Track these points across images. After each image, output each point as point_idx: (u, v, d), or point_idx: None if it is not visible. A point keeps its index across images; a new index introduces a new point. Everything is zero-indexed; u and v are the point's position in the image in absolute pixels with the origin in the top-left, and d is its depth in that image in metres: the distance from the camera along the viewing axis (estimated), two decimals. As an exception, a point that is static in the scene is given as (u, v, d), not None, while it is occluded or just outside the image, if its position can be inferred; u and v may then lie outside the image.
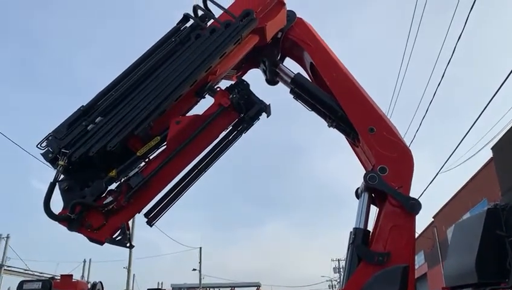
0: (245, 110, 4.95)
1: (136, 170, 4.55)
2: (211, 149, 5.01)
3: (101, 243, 4.47)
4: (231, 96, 4.86)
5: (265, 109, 5.05)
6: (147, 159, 4.66)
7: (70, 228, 4.30)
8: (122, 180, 4.50)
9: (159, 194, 4.79)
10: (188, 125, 4.64)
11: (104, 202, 4.36)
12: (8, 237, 27.84)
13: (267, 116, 5.18)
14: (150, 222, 4.90)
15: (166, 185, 4.78)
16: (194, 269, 45.75)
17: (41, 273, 27.73)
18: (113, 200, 4.36)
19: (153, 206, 4.86)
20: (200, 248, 46.68)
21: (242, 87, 5.01)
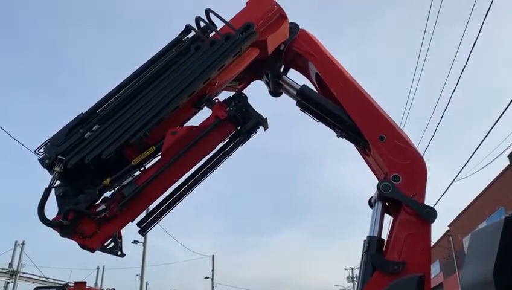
0: (242, 123, 4.93)
1: (130, 179, 4.55)
2: (206, 160, 5.00)
3: (92, 251, 4.48)
4: (228, 108, 4.84)
5: (263, 122, 5.03)
6: (142, 169, 4.68)
7: (63, 234, 4.31)
8: (116, 189, 4.51)
9: (153, 203, 4.79)
10: (183, 136, 4.64)
11: (97, 210, 4.37)
12: (23, 244, 28.26)
13: (265, 130, 5.18)
14: (143, 232, 4.91)
15: (160, 195, 4.78)
16: (206, 277, 45.75)
17: (55, 280, 28.07)
18: (106, 208, 4.36)
19: (146, 215, 4.87)
20: (213, 255, 46.73)
21: (239, 100, 4.99)
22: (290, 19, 5.32)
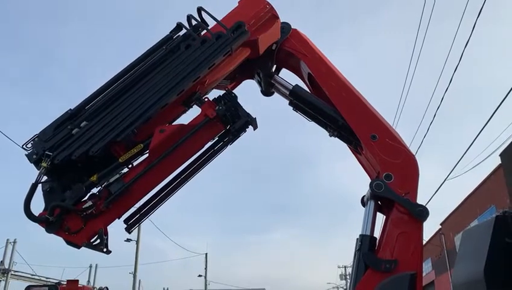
0: (231, 122, 4.92)
1: (118, 176, 4.54)
2: (195, 159, 4.99)
3: (78, 247, 4.46)
4: (217, 107, 4.83)
5: (252, 122, 5.02)
6: (130, 166, 4.67)
7: (48, 230, 4.29)
8: (103, 186, 4.51)
9: (140, 201, 4.79)
10: (172, 134, 4.62)
11: (83, 206, 4.36)
12: (15, 242, 28.05)
13: (254, 130, 5.17)
14: (129, 229, 4.90)
15: (147, 193, 4.77)
16: (199, 275, 45.78)
17: (47, 278, 27.90)
18: (93, 205, 4.35)
19: (133, 213, 4.86)
20: (206, 254, 46.74)
21: (229, 99, 4.98)
22: (284, 18, 5.32)
